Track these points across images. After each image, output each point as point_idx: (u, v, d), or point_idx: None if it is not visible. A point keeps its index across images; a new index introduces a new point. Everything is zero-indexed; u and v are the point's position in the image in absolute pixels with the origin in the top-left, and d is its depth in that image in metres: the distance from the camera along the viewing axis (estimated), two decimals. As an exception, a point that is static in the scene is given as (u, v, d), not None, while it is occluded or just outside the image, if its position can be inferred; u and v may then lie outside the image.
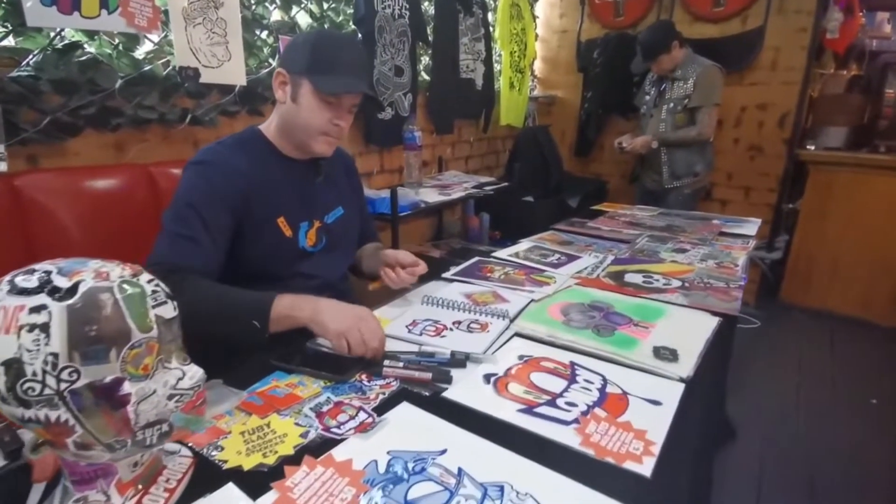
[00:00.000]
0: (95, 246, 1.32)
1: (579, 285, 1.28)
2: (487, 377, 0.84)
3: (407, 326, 1.02)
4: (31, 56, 1.22)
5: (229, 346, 0.94)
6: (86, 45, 1.32)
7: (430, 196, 2.04)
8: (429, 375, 0.82)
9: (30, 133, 1.23)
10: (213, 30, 1.54)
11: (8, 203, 1.18)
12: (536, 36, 3.55)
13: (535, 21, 3.47)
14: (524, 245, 1.63)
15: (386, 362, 0.86)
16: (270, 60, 1.79)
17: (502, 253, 1.52)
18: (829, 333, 2.84)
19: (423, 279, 1.31)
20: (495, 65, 3.12)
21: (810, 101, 3.00)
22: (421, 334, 0.99)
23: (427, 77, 2.57)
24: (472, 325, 1.02)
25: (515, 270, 1.38)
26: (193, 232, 0.97)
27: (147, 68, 1.43)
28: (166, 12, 1.42)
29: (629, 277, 1.33)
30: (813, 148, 2.98)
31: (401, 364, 0.86)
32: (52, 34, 1.26)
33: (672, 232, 1.81)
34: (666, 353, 0.92)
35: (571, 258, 1.49)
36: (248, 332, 0.88)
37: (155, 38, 1.46)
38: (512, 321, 1.06)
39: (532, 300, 1.17)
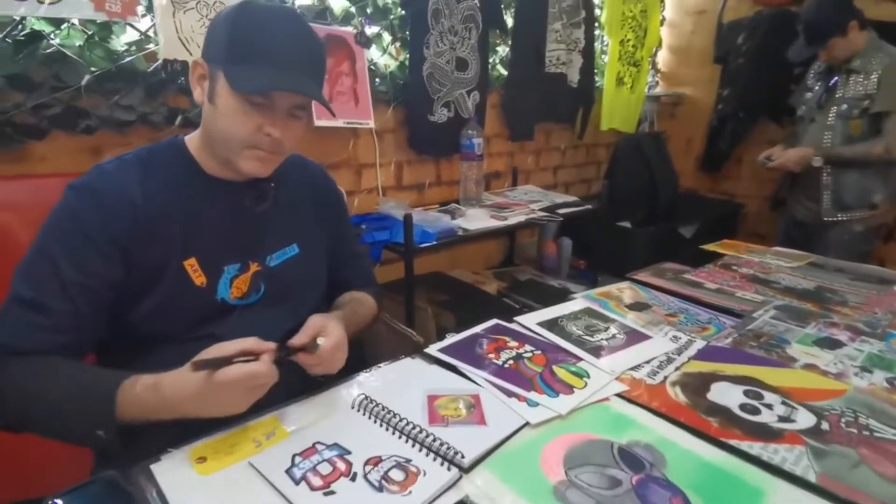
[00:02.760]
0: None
1: (622, 396, 0.80)
2: None
3: (295, 456, 0.65)
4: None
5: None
6: (52, 36, 1.15)
7: (477, 221, 1.63)
8: None
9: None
10: (209, 16, 1.31)
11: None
12: (663, 20, 2.91)
13: (662, 1, 2.83)
14: (573, 305, 1.15)
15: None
16: (292, 52, 1.52)
17: (531, 318, 1.06)
18: None
19: (398, 349, 0.93)
20: (602, 56, 2.58)
21: None
22: (300, 481, 0.60)
23: (503, 72, 2.15)
24: (389, 476, 0.61)
25: (535, 353, 0.92)
26: (43, 294, 0.69)
27: (126, 61, 1.24)
28: (151, -5, 1.21)
29: (718, 392, 0.81)
30: None
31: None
32: (9, 22, 1.10)
33: (822, 302, 1.18)
34: None
35: (634, 337, 0.99)
36: (91, 442, 0.67)
37: (143, 25, 1.27)
38: (467, 471, 0.63)
39: (527, 424, 0.72)
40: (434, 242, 1.42)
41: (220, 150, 0.79)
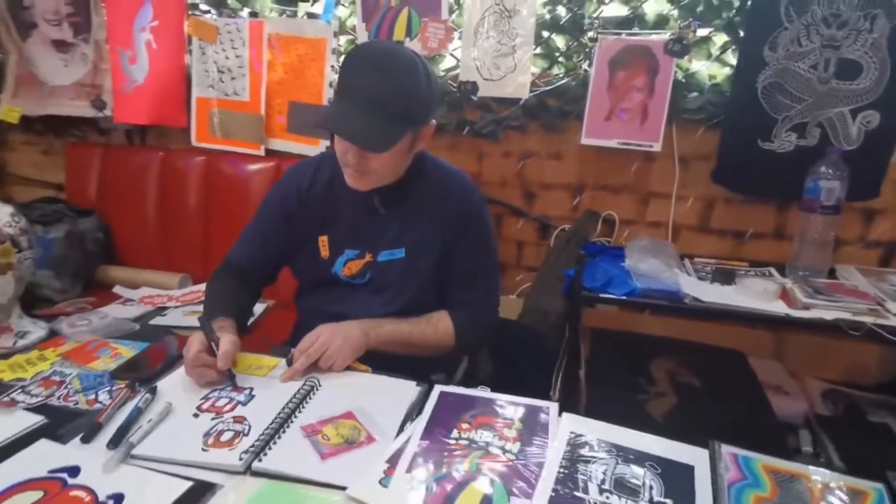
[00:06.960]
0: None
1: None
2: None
3: (228, 387, 0.83)
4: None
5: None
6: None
7: (743, 295, 1.11)
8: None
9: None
10: (502, 41, 1.48)
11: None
12: None
13: None
14: (680, 454, 0.71)
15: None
16: (585, 67, 1.47)
17: (588, 426, 0.75)
18: None
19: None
20: None
21: None
22: (207, 397, 0.79)
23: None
24: (221, 432, 0.71)
25: (506, 457, 0.69)
26: (250, 233, 1.12)
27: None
28: (465, 30, 1.50)
29: None
30: None
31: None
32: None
33: None
34: None
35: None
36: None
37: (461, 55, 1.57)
38: (251, 474, 0.64)
39: (343, 489, 0.62)
40: (621, 297, 1.10)
41: None
